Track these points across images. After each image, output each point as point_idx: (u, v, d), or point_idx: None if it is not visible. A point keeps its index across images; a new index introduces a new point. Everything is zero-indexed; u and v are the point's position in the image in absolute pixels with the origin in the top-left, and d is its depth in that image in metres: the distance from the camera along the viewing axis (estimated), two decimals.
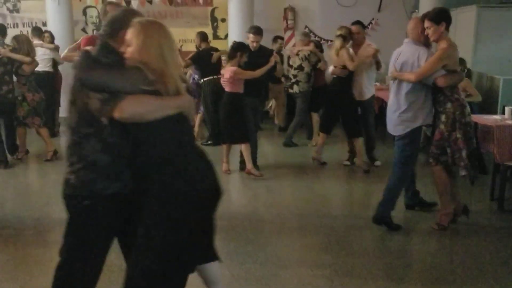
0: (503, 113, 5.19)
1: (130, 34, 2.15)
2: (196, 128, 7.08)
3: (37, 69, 7.43)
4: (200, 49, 7.40)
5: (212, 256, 2.61)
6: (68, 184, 2.24)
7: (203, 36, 7.45)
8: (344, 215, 4.57)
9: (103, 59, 2.20)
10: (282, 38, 8.50)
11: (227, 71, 5.49)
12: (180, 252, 2.25)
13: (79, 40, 4.12)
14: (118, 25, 2.23)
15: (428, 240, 3.99)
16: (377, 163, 6.05)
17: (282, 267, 3.45)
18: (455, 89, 4.00)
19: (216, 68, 6.94)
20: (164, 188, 2.19)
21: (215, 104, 6.55)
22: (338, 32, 5.90)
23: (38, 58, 7.51)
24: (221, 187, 2.38)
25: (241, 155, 5.70)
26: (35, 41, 7.32)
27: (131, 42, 2.14)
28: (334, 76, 5.96)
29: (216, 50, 7.29)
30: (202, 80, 7.07)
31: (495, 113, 6.03)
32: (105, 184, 2.21)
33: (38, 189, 5.46)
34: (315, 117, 7.43)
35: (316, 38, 9.48)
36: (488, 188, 4.92)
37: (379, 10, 9.43)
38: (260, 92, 6.28)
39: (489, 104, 6.73)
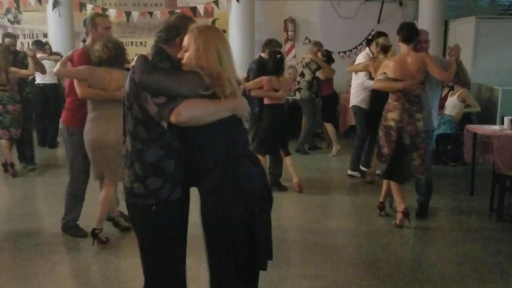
0: (502, 123, 5.20)
1: (187, 40, 2.17)
2: None
3: (45, 81, 7.50)
4: None
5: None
6: (133, 193, 2.24)
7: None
8: (345, 226, 4.56)
9: (159, 65, 2.22)
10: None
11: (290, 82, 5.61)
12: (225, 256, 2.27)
13: (69, 53, 4.13)
14: (174, 31, 2.25)
15: (427, 250, 3.98)
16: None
17: (282, 278, 3.43)
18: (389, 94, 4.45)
19: None
20: (213, 191, 2.21)
21: None
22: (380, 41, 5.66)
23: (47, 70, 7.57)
24: (271, 194, 2.37)
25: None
26: (39, 55, 7.37)
27: (189, 47, 2.17)
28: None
29: None
30: None
31: (494, 123, 6.06)
32: (171, 190, 2.23)
33: (38, 200, 5.45)
34: (330, 128, 7.46)
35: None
36: (488, 198, 4.92)
37: (378, 21, 9.48)
38: None
39: (488, 115, 6.75)
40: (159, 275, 2.38)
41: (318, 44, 7.57)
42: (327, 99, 7.46)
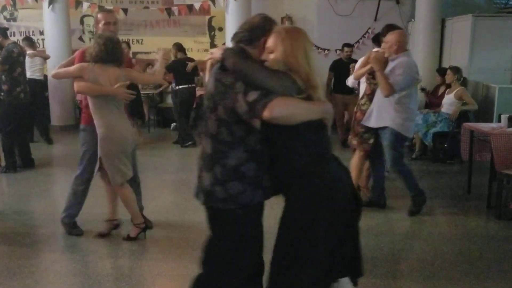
0: (499, 121, 5.21)
1: (274, 41, 2.12)
2: None
3: (34, 77, 7.48)
4: (176, 58, 7.75)
5: (348, 272, 2.41)
6: (213, 197, 2.20)
7: (178, 47, 7.87)
8: None
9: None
10: (350, 45, 8.12)
11: None
12: (315, 264, 2.21)
13: (71, 57, 4.09)
14: (258, 32, 2.19)
15: (424, 248, 3.98)
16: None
17: None
18: None
19: (190, 77, 7.67)
20: (304, 198, 2.17)
21: (187, 110, 7.63)
22: None
23: (35, 67, 7.56)
24: (360, 198, 2.34)
25: None
26: (29, 51, 7.35)
27: (275, 49, 2.11)
28: None
29: (192, 60, 7.81)
30: (177, 88, 7.65)
31: (491, 121, 6.06)
32: (252, 194, 2.19)
33: (33, 198, 5.42)
34: None
35: (313, 47, 9.53)
36: (485, 196, 4.92)
37: (375, 19, 9.48)
38: None
39: (485, 113, 6.76)
40: (226, 275, 2.32)
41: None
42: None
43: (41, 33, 9.52)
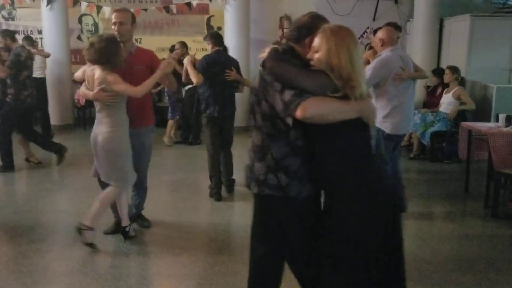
0: (497, 120, 5.22)
1: (319, 40, 2.14)
2: (173, 131, 7.96)
3: (35, 75, 7.50)
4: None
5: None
6: (267, 184, 2.26)
7: (185, 46, 7.78)
8: None
9: (292, 60, 2.21)
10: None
11: None
12: (358, 271, 2.20)
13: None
14: (305, 30, 2.24)
15: (422, 247, 3.99)
16: None
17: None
18: None
19: None
20: (346, 201, 2.17)
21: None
22: None
23: (36, 66, 7.59)
24: (403, 200, 2.33)
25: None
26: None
27: (320, 48, 2.14)
28: None
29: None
30: (191, 86, 7.37)
31: (488, 120, 6.08)
32: (299, 187, 2.23)
33: (32, 197, 5.42)
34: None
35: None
36: (482, 195, 4.94)
37: (374, 19, 9.49)
38: None
39: (483, 112, 6.78)
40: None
41: (276, 44, 7.82)
42: None
43: (40, 32, 9.51)
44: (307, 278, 2.40)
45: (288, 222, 2.31)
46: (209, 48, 5.18)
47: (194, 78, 4.98)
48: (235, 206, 5.20)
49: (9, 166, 6.14)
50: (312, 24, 2.24)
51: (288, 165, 2.21)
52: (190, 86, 7.35)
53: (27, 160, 6.36)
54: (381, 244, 2.19)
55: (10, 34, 6.22)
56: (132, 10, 6.85)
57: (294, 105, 2.05)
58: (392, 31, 4.42)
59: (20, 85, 5.99)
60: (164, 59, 7.75)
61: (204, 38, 5.35)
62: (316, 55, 2.15)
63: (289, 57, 2.21)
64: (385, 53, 4.30)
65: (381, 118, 4.31)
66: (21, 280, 3.35)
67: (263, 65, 2.22)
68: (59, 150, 6.25)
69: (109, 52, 3.53)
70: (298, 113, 2.05)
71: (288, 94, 2.08)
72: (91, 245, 3.77)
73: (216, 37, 5.21)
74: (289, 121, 2.11)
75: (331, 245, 2.20)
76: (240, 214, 4.84)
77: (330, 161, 2.18)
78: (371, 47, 5.45)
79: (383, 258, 2.21)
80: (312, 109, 2.05)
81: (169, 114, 7.97)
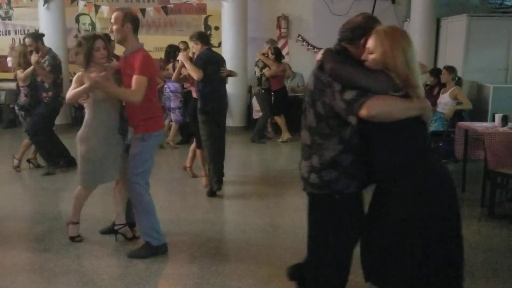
0: (493, 120, 5.24)
1: (373, 41, 2.18)
2: (172, 132, 7.70)
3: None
4: None
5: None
6: (309, 183, 2.37)
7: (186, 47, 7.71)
8: None
9: (347, 61, 2.24)
10: None
11: None
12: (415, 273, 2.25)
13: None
14: (359, 31, 2.27)
15: None
16: None
17: (275, 275, 3.44)
18: None
19: None
20: (403, 199, 2.23)
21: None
22: None
23: None
24: (458, 199, 2.36)
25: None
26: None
27: (375, 49, 2.17)
28: None
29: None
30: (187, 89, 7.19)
31: (485, 120, 6.09)
32: (346, 183, 2.29)
33: (28, 196, 5.42)
34: (279, 119, 8.11)
35: (309, 46, 9.66)
36: (479, 195, 4.95)
37: None
38: None
39: (479, 112, 6.79)
40: (323, 263, 2.47)
41: (269, 42, 8.18)
42: (275, 94, 8.00)
43: (37, 31, 9.49)
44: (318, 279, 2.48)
45: (327, 219, 2.39)
46: (197, 47, 5.27)
47: (195, 73, 5.03)
48: (232, 206, 5.21)
49: (57, 166, 6.10)
50: (366, 25, 2.27)
51: (339, 162, 2.27)
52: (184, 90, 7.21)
53: (28, 161, 6.27)
54: (440, 236, 2.26)
55: (41, 37, 6.13)
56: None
57: (358, 104, 2.10)
58: None
59: (58, 88, 6.01)
60: (161, 58, 7.78)
61: (191, 38, 5.38)
62: (371, 56, 2.19)
63: (345, 58, 2.26)
64: None
65: None
66: (18, 280, 3.35)
67: (320, 66, 2.26)
68: (57, 164, 6.13)
69: (82, 52, 3.63)
70: (364, 112, 2.09)
71: (350, 94, 2.13)
72: (73, 238, 3.94)
73: (205, 37, 5.36)
74: (353, 119, 2.15)
75: (389, 238, 2.27)
76: (237, 214, 4.85)
77: (391, 157, 2.24)
78: None
79: (440, 250, 2.27)
80: (377, 107, 2.10)
81: (175, 117, 7.58)
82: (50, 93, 5.93)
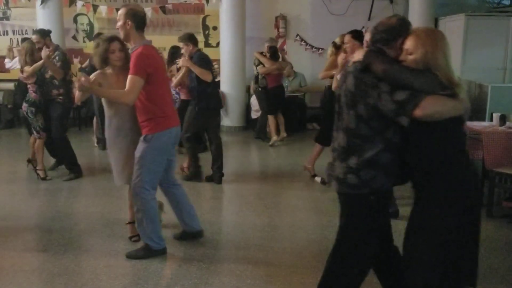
0: (491, 120, 5.24)
1: (413, 42, 2.23)
2: None
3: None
4: None
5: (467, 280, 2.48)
6: (346, 184, 2.38)
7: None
8: (335, 222, 4.57)
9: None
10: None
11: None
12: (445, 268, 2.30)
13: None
14: (395, 33, 2.31)
15: None
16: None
17: (273, 275, 3.44)
18: None
19: None
20: (436, 195, 2.29)
21: None
22: (335, 40, 5.95)
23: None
24: (482, 198, 2.50)
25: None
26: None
27: (415, 50, 2.21)
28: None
29: None
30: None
31: (483, 120, 6.10)
32: (383, 181, 2.35)
33: (26, 197, 5.41)
34: (270, 119, 7.98)
35: (307, 46, 9.67)
36: None
37: (369, 18, 9.51)
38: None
39: (477, 111, 6.79)
40: (351, 261, 2.51)
41: (268, 41, 8.18)
42: (269, 92, 7.86)
43: (43, 29, 9.47)
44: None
45: (362, 218, 2.43)
46: (188, 48, 5.34)
47: (207, 75, 5.25)
48: (230, 206, 5.21)
49: (78, 171, 5.99)
50: (402, 26, 2.32)
51: (377, 160, 2.31)
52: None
53: (28, 160, 6.17)
54: (465, 236, 2.32)
55: (48, 33, 6.05)
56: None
57: (411, 105, 2.14)
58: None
59: (69, 85, 5.92)
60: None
61: (182, 40, 5.41)
62: (411, 57, 2.23)
63: (391, 60, 2.29)
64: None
65: None
66: (16, 280, 3.34)
67: (365, 68, 2.27)
68: (78, 169, 6.01)
69: (95, 53, 3.73)
70: (419, 112, 2.13)
71: (402, 95, 2.16)
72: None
73: (195, 38, 5.49)
74: (404, 120, 2.19)
75: (420, 236, 2.32)
76: (236, 213, 4.85)
77: (431, 155, 2.28)
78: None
79: (464, 248, 2.33)
80: (431, 107, 2.14)
81: None
82: (61, 90, 5.79)
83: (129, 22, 3.44)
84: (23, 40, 7.84)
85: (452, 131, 2.30)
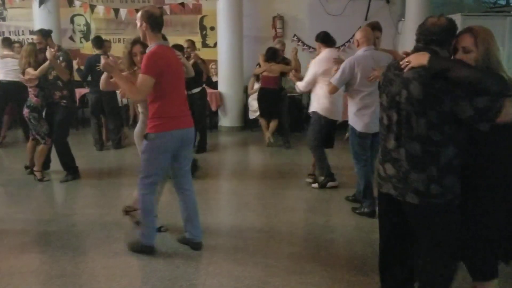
0: None
1: (470, 41, 2.24)
2: None
3: (7, 79, 7.27)
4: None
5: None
6: (429, 194, 2.32)
7: (193, 43, 7.54)
8: (333, 222, 4.59)
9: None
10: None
11: None
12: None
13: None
14: (449, 34, 2.31)
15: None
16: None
17: (272, 275, 3.44)
18: None
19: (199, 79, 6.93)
20: (489, 194, 2.39)
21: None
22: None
23: (8, 68, 7.36)
24: None
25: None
26: (5, 52, 7.25)
27: (473, 49, 2.22)
28: None
29: (202, 60, 7.36)
30: (192, 92, 6.92)
31: None
32: (457, 183, 2.36)
33: (23, 198, 5.39)
34: (261, 120, 7.85)
35: (304, 46, 9.68)
36: None
37: (366, 18, 9.53)
38: None
39: None
40: (450, 265, 2.53)
41: (276, 42, 8.16)
42: (259, 93, 7.72)
43: (31, 32, 9.46)
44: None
45: (449, 224, 2.41)
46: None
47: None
48: (228, 206, 5.21)
49: (76, 172, 5.93)
50: (454, 27, 2.33)
51: (456, 165, 2.32)
52: (198, 88, 7.07)
53: (26, 167, 6.13)
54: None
55: (49, 33, 5.86)
56: (125, 10, 6.71)
57: (494, 112, 2.14)
58: (367, 31, 4.49)
59: (72, 86, 5.79)
60: None
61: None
62: (470, 55, 2.23)
63: (460, 62, 2.28)
64: (359, 53, 4.44)
65: (353, 116, 4.51)
66: (13, 282, 3.33)
67: (435, 74, 2.22)
68: (76, 171, 5.98)
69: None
70: (503, 118, 2.15)
71: (483, 101, 2.14)
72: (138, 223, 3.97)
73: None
74: (485, 126, 2.19)
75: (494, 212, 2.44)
76: (234, 214, 4.85)
77: (497, 152, 2.37)
78: None
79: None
80: (511, 111, 2.15)
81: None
82: (65, 92, 5.64)
83: (145, 24, 3.54)
84: (3, 42, 7.77)
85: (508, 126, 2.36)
